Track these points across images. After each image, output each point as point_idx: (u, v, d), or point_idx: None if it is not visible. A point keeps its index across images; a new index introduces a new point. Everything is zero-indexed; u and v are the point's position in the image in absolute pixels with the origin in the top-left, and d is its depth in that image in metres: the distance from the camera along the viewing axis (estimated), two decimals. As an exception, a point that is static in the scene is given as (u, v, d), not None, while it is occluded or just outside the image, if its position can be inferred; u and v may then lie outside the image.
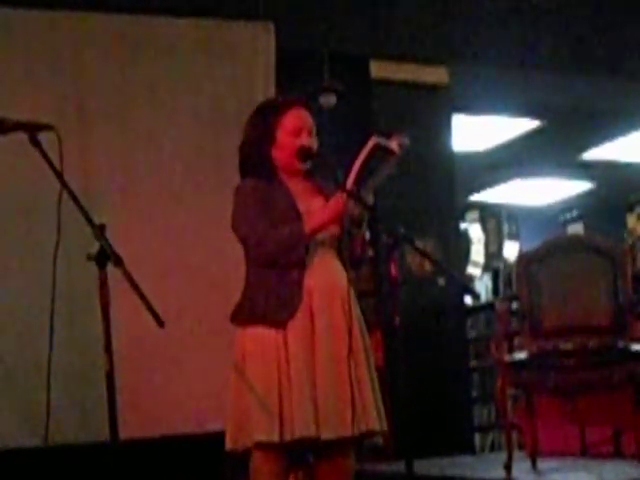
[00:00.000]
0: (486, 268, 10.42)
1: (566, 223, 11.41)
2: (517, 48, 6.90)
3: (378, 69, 6.55)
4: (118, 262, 2.31)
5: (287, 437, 2.95)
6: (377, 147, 3.03)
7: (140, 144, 5.66)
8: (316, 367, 3.01)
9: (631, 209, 9.42)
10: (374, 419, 3.06)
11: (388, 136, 3.08)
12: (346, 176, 3.05)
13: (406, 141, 3.07)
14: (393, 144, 3.05)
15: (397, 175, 3.10)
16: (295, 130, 3.18)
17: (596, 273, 4.92)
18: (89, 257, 2.37)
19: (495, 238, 11.45)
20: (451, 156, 6.80)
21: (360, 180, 3.02)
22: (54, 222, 2.52)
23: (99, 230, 2.37)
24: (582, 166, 10.08)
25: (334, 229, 3.14)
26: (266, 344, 3.03)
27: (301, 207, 3.13)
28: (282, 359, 3.01)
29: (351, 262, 3.19)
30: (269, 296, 3.07)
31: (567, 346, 4.64)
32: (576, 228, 11.12)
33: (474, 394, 8.19)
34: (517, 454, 4.95)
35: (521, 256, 5.35)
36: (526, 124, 8.50)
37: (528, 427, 5.09)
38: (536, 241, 5.51)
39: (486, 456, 7.45)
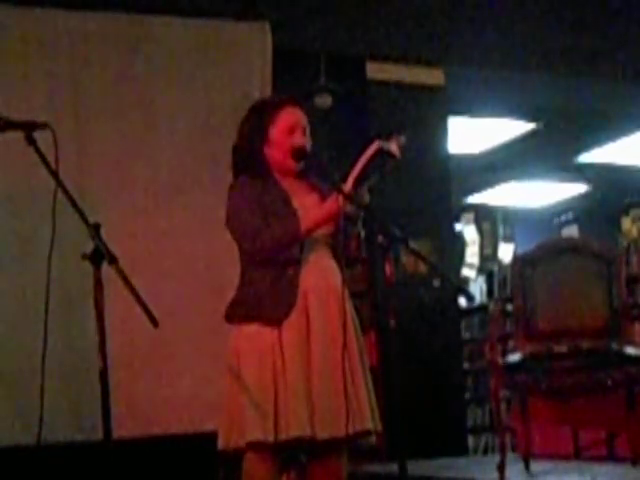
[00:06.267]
0: (481, 270, 10.43)
1: (561, 226, 11.42)
2: (513, 50, 6.90)
3: (374, 70, 6.55)
4: (113, 261, 2.31)
5: (282, 437, 2.95)
6: (379, 151, 3.04)
7: (135, 143, 5.66)
8: (311, 366, 3.01)
9: (626, 212, 9.44)
10: (368, 419, 3.06)
11: (387, 137, 3.08)
12: (342, 176, 3.05)
13: (404, 141, 3.07)
14: (393, 147, 3.05)
15: (393, 176, 3.10)
16: (288, 128, 3.18)
17: (590, 276, 4.92)
18: (84, 256, 2.37)
19: (490, 240, 11.47)
20: (447, 158, 6.80)
21: (359, 181, 3.03)
22: (49, 221, 2.52)
23: (94, 229, 2.36)
24: (577, 169, 10.09)
25: (329, 227, 3.14)
26: (261, 343, 3.02)
27: (295, 205, 3.13)
28: (277, 358, 3.01)
29: (346, 261, 3.19)
30: (264, 294, 3.07)
31: (561, 348, 4.65)
32: (571, 231, 11.14)
33: (468, 396, 8.21)
34: (510, 456, 4.95)
35: (516, 258, 5.35)
36: (522, 126, 8.51)
37: (521, 429, 5.10)
38: (531, 243, 5.51)
39: (479, 458, 7.47)
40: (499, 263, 9.94)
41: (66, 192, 2.40)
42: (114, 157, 5.60)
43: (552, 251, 5.03)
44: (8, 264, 5.28)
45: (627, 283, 5.11)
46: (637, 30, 7.25)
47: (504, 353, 4.88)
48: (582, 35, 7.10)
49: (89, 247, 2.36)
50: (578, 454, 5.61)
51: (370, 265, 5.99)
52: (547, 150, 9.26)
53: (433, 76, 6.70)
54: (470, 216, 11.35)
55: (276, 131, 3.18)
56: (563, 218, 11.42)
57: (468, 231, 11.25)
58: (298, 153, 3.16)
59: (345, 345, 3.02)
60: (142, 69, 5.73)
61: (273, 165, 3.20)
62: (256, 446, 2.97)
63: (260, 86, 5.91)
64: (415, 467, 4.10)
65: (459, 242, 10.44)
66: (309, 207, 3.12)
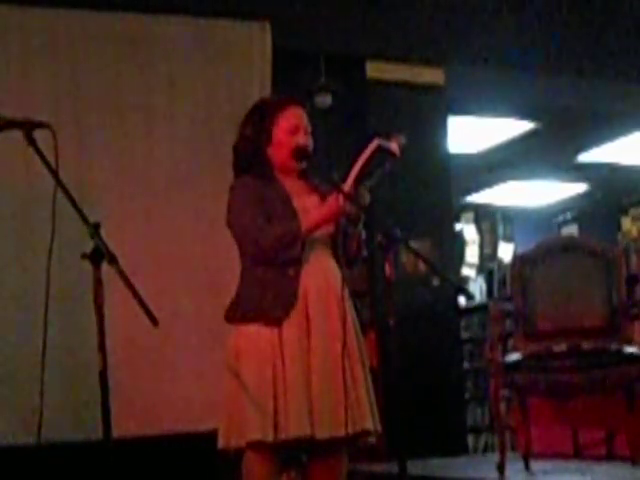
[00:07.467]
0: (480, 269, 10.43)
1: (561, 225, 11.43)
2: (513, 50, 6.90)
3: (374, 70, 6.56)
4: (112, 261, 2.31)
5: (281, 436, 2.95)
6: (379, 149, 3.03)
7: (135, 143, 5.67)
8: (311, 366, 3.00)
9: (626, 211, 9.46)
10: (368, 419, 3.06)
11: (387, 136, 3.07)
12: (342, 176, 3.05)
13: (403, 140, 3.07)
14: (393, 145, 3.05)
15: (393, 175, 3.10)
16: (291, 128, 3.18)
17: (590, 275, 4.93)
18: (84, 255, 2.36)
19: (490, 239, 11.47)
20: (447, 157, 6.80)
21: (359, 181, 3.03)
22: (49, 220, 2.52)
23: (94, 228, 2.36)
24: (577, 168, 10.10)
25: (329, 227, 3.14)
26: (261, 343, 3.02)
27: (296, 205, 3.13)
28: (277, 358, 3.00)
29: (346, 261, 3.19)
30: (264, 294, 3.07)
31: (560, 348, 4.65)
32: (571, 230, 11.14)
33: (467, 395, 8.20)
34: (510, 455, 4.95)
35: (515, 258, 5.36)
36: (521, 126, 8.51)
37: (521, 428, 5.10)
38: (531, 243, 5.51)
39: (479, 457, 7.46)
40: (499, 262, 9.93)
41: (66, 191, 2.39)
42: (114, 156, 5.60)
43: (552, 250, 5.03)
44: (8, 264, 5.28)
45: (627, 283, 5.11)
46: (637, 30, 7.25)
47: (504, 353, 4.89)
48: (582, 35, 7.10)
49: (89, 247, 2.36)
50: (578, 454, 5.61)
51: (370, 265, 5.99)
52: (547, 150, 9.26)
53: (433, 75, 6.70)
54: (470, 216, 11.35)
55: (279, 131, 3.18)
56: (563, 217, 11.42)
57: (468, 231, 11.26)
58: (300, 153, 3.16)
59: (345, 345, 3.02)
60: (142, 69, 5.73)
61: (275, 165, 3.19)
62: (256, 446, 2.97)
63: (260, 86, 5.91)
64: (415, 466, 4.10)
65: (459, 242, 10.44)
66: (309, 208, 3.12)
